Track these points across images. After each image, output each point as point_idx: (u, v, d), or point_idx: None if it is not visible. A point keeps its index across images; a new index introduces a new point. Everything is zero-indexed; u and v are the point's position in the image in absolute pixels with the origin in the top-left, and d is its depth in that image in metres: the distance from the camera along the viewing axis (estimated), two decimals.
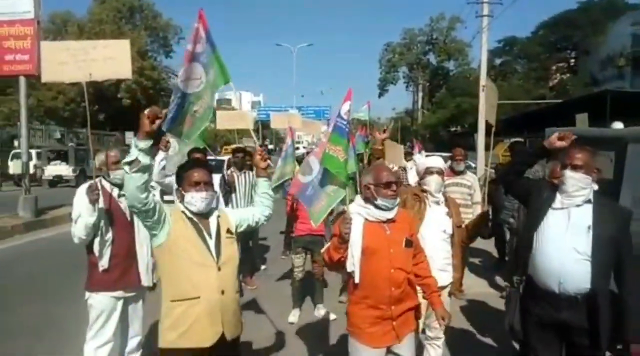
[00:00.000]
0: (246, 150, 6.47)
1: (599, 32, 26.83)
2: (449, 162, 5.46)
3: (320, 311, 5.09)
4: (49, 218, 10.92)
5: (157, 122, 2.15)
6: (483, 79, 13.72)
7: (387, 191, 2.51)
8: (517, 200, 3.18)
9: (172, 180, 2.81)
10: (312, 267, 5.10)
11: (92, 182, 3.06)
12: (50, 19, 34.16)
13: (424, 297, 2.77)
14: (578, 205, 2.50)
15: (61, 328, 4.51)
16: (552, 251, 2.49)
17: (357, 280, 2.48)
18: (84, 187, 3.08)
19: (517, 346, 3.70)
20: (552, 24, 32.44)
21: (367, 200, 2.59)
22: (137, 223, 3.20)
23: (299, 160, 5.82)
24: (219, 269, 2.31)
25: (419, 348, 3.39)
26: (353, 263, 2.49)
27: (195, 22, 2.71)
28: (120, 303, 3.19)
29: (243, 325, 2.56)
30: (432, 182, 3.27)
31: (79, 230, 2.99)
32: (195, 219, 2.35)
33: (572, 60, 33.54)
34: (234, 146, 8.03)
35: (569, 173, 2.50)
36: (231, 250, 2.41)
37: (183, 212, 2.36)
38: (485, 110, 3.96)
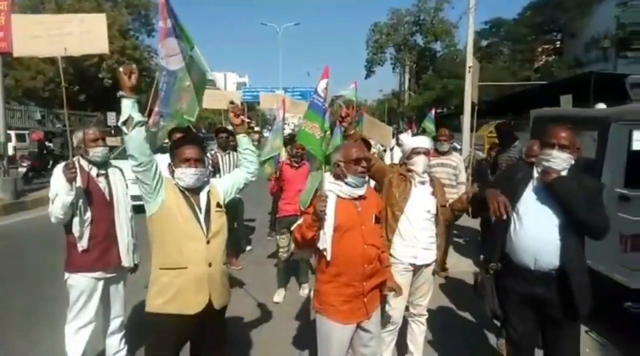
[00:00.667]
0: (229, 130, 6.39)
1: (585, 14, 26.89)
2: (434, 143, 5.46)
3: (305, 291, 5.12)
4: (29, 200, 10.71)
5: (134, 76, 2.24)
6: (469, 61, 13.69)
7: (357, 167, 2.53)
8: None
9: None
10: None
11: (69, 160, 2.98)
12: None
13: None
14: None
15: (42, 309, 4.46)
16: (528, 228, 2.53)
17: (329, 258, 2.50)
18: (60, 166, 3.00)
19: (499, 324, 3.78)
20: (538, 6, 32.38)
21: (337, 177, 2.59)
22: (117, 204, 3.15)
23: (285, 141, 5.78)
24: (208, 242, 2.39)
25: (403, 325, 3.44)
26: (325, 241, 2.49)
27: None
28: (100, 283, 3.15)
29: (230, 294, 2.63)
30: (419, 163, 3.27)
31: (56, 209, 2.93)
32: (187, 193, 2.42)
33: (558, 42, 33.63)
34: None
35: (555, 152, 2.51)
36: (220, 224, 2.47)
37: (176, 184, 2.42)
38: (473, 91, 3.94)
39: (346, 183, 2.56)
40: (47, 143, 18.63)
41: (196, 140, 2.54)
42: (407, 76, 46.74)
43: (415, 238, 3.18)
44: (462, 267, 6.03)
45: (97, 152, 3.08)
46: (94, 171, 3.11)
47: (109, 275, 3.17)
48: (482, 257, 6.33)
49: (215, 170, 5.73)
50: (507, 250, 2.65)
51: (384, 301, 2.99)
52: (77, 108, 31.09)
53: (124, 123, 2.19)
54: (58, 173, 2.96)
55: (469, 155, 8.67)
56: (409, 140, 3.69)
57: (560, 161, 2.51)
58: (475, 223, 7.41)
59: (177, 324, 2.34)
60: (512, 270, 2.62)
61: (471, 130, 8.97)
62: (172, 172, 2.45)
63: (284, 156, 6.00)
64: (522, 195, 2.60)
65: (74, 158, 3.05)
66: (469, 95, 12.98)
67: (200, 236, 2.38)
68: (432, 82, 37.00)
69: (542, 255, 2.48)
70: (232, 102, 2.70)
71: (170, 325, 2.34)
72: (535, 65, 32.74)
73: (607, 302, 3.45)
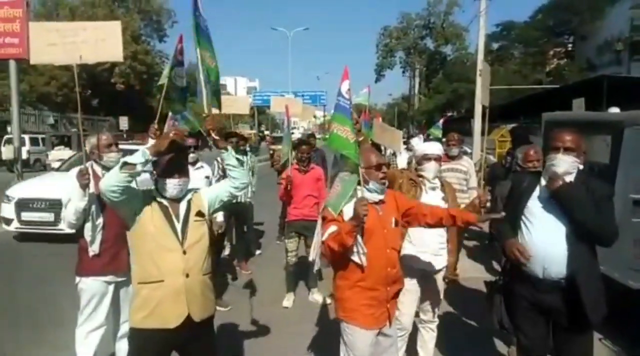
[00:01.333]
0: (239, 134, 6.42)
1: (597, 16, 26.63)
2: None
3: (314, 296, 5.10)
4: None
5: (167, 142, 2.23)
6: (480, 64, 13.61)
7: (378, 173, 2.53)
8: None
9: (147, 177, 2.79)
10: (306, 252, 5.09)
11: (82, 166, 3.01)
12: (41, 2, 33.61)
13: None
14: None
15: (53, 313, 4.50)
16: (536, 237, 2.50)
17: (365, 263, 2.45)
18: (74, 171, 3.03)
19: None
20: (550, 8, 32.13)
21: (365, 183, 2.57)
22: None
23: (293, 145, 5.78)
24: (184, 253, 2.33)
25: (414, 331, 3.41)
26: (360, 247, 2.46)
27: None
28: (111, 287, 3.17)
29: (214, 306, 2.55)
30: (430, 169, 3.26)
31: (69, 215, 2.96)
32: (165, 203, 2.37)
33: (570, 45, 33.35)
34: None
35: (561, 156, 2.48)
36: (199, 234, 2.40)
37: (154, 196, 2.38)
38: (482, 94, 3.89)
39: (367, 189, 2.54)
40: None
41: (179, 148, 2.44)
42: (417, 80, 46.63)
43: (426, 243, 3.16)
44: (473, 272, 5.97)
45: (111, 158, 3.11)
46: None
47: (119, 279, 3.18)
48: (493, 261, 6.29)
49: (225, 174, 5.74)
50: None
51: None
52: (89, 112, 31.51)
53: (126, 164, 2.14)
54: (72, 178, 2.99)
55: (480, 159, 8.60)
56: (421, 145, 3.68)
57: (565, 165, 2.47)
58: (484, 227, 7.35)
59: (158, 339, 2.30)
60: (522, 278, 2.59)
61: (482, 134, 8.90)
62: (155, 181, 2.40)
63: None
64: (528, 203, 2.57)
65: (87, 164, 3.07)
66: (480, 99, 12.91)
67: (175, 247, 2.32)
68: (442, 86, 36.88)
69: (550, 264, 2.45)
70: (207, 115, 2.58)
71: (151, 340, 2.30)
72: (547, 68, 32.45)
73: (622, 309, 3.39)
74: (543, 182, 2.56)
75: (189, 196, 2.44)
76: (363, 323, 2.49)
